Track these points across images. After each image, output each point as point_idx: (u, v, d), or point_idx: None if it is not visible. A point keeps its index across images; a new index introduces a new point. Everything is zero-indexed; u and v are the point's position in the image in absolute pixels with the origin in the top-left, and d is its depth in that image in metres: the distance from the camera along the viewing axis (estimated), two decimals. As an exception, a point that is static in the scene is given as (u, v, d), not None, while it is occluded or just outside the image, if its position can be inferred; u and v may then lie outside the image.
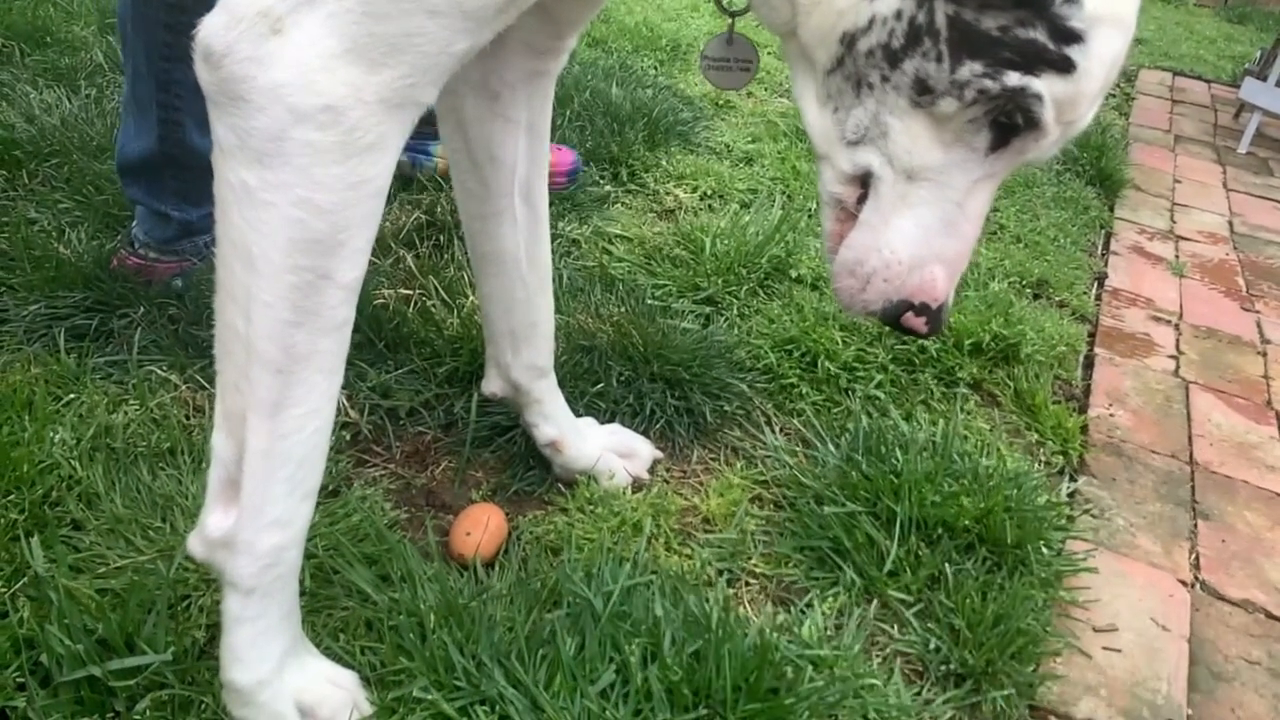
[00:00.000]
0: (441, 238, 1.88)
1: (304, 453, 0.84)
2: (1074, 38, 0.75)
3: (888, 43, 0.79)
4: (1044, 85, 0.77)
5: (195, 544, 0.88)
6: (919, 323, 0.87)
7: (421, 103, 0.78)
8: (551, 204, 2.06)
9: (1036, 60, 0.76)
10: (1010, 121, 0.79)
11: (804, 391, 1.63)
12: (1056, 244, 2.44)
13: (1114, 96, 4.18)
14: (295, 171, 0.72)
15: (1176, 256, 2.66)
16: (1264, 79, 3.78)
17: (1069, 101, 0.78)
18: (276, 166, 0.72)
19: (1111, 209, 2.89)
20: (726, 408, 1.56)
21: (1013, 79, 0.76)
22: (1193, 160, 3.60)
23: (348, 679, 1.00)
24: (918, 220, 0.83)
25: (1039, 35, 0.75)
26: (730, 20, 0.98)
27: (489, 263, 1.23)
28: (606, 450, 1.39)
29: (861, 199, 0.86)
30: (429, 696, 0.98)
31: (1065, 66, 0.76)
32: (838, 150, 0.85)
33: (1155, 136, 3.82)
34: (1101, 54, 0.76)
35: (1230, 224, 3.00)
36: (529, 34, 1.05)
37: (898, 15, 0.78)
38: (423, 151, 2.05)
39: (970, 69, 0.77)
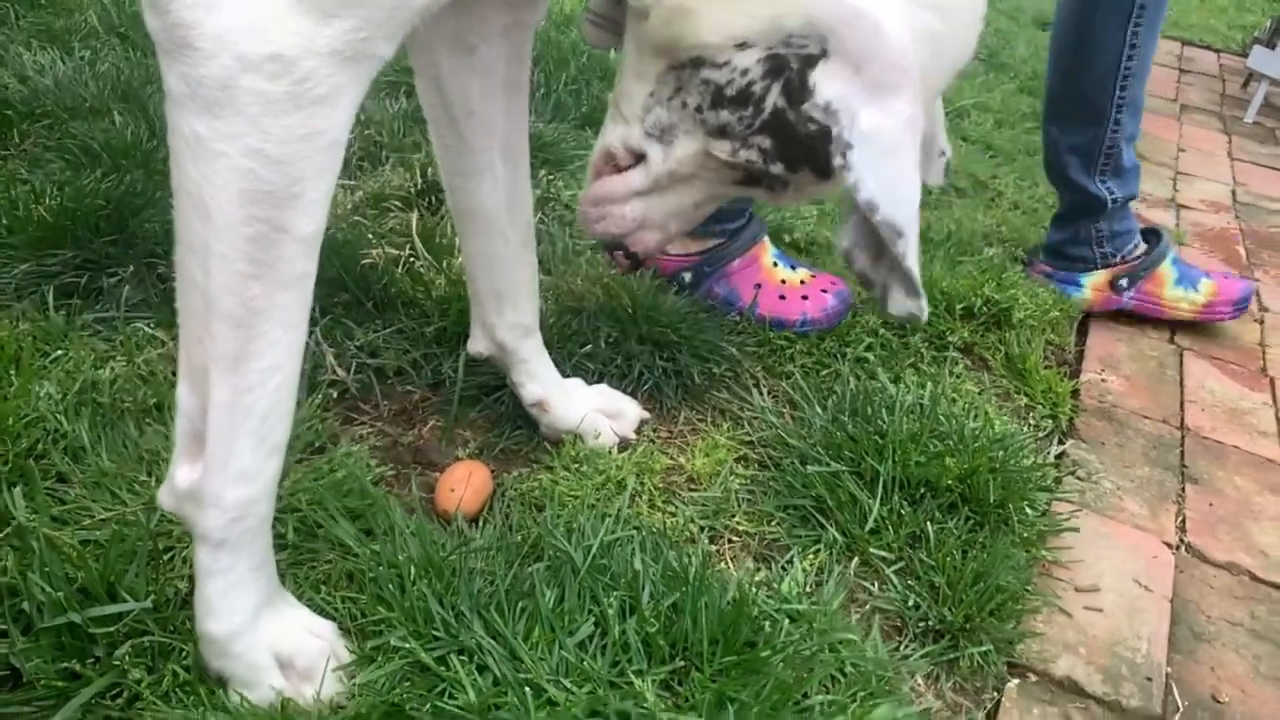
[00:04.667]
0: (434, 199, 1.87)
1: (267, 407, 0.83)
2: (845, 165, 0.82)
3: (723, 87, 0.87)
4: (800, 177, 0.90)
5: (165, 496, 0.89)
6: (622, 259, 1.07)
7: (378, 56, 0.76)
8: (543, 166, 2.06)
9: (808, 161, 0.88)
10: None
11: (793, 354, 1.62)
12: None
13: (1121, 65, 4.13)
14: (245, 121, 0.71)
15: (1177, 224, 2.64)
16: (1272, 47, 3.73)
17: (814, 190, 0.93)
18: (226, 116, 0.71)
19: (1113, 177, 2.86)
20: (715, 370, 1.56)
21: (777, 169, 0.90)
22: (1198, 129, 3.56)
23: (326, 629, 1.01)
24: (663, 203, 0.99)
25: (822, 149, 0.84)
26: None
27: (470, 220, 1.23)
28: (593, 410, 1.39)
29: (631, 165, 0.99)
30: (407, 645, 0.99)
31: (827, 175, 0.87)
32: (635, 128, 0.96)
33: (1161, 105, 3.78)
34: (861, 174, 0.82)
35: (1233, 193, 2.97)
36: None
37: (744, 72, 0.85)
38: (1073, 283, 2.01)
39: (761, 143, 0.89)
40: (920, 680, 1.12)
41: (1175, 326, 2.06)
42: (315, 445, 1.30)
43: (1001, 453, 1.39)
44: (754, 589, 1.11)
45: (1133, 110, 1.86)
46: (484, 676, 0.99)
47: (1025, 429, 1.56)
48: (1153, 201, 2.76)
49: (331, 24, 0.71)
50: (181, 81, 0.72)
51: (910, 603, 1.18)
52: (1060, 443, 1.60)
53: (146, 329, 1.40)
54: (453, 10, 0.84)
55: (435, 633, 1.01)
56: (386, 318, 1.51)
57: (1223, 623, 1.31)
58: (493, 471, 1.29)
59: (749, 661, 1.02)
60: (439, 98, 1.12)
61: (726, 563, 1.24)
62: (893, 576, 1.21)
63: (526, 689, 0.96)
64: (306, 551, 1.13)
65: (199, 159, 0.73)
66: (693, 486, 1.35)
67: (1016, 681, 1.15)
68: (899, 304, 0.87)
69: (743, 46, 0.85)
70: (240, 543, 0.89)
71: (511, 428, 1.41)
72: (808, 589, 1.18)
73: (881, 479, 1.30)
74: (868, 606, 1.19)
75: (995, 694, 1.13)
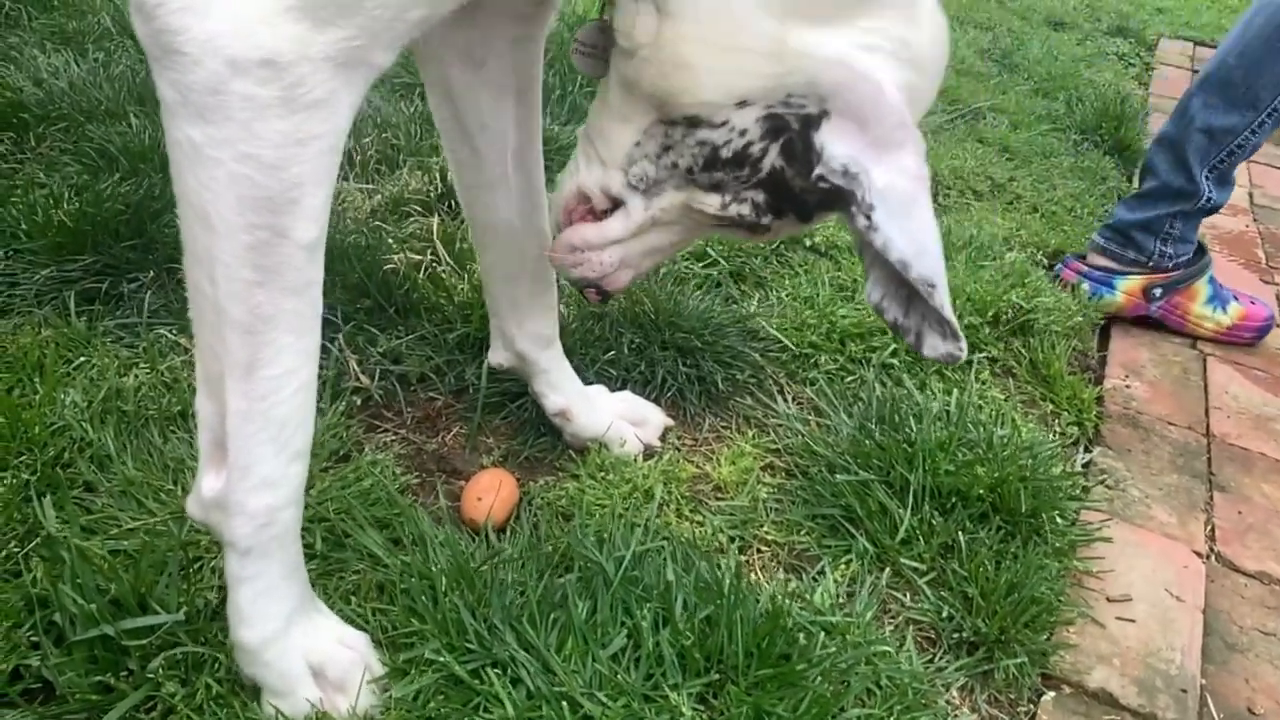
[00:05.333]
0: (454, 203, 1.86)
1: (285, 413, 0.83)
2: (870, 226, 0.82)
3: (719, 148, 0.86)
4: (785, 222, 0.92)
5: (192, 505, 0.89)
6: (594, 296, 1.05)
7: (375, 64, 0.75)
8: (560, 170, 2.04)
9: (796, 210, 0.90)
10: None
11: (818, 360, 1.61)
12: (1074, 214, 2.41)
13: (1133, 66, 4.11)
14: (237, 126, 0.70)
15: (1195, 228, 2.62)
16: (1288, 48, 3.71)
17: (793, 231, 0.98)
18: (219, 121, 0.70)
19: (1129, 179, 2.85)
20: (739, 376, 1.55)
21: (767, 220, 0.92)
22: (1213, 131, 3.54)
23: (358, 640, 1.00)
24: (641, 245, 0.99)
25: (813, 200, 0.88)
26: (603, 6, 0.93)
27: (487, 232, 1.22)
28: (617, 418, 1.38)
29: (608, 211, 0.98)
30: (441, 659, 0.98)
31: (808, 219, 0.92)
32: (616, 175, 0.95)
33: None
34: (889, 234, 0.83)
35: (1250, 195, 2.95)
36: None
37: (743, 133, 0.85)
38: (1106, 285, 2.00)
39: (755, 198, 0.90)
40: (955, 693, 1.11)
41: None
42: (340, 453, 1.29)
43: (1030, 461, 1.37)
44: (787, 600, 1.10)
45: (1274, 123, 1.85)
46: (517, 689, 0.98)
47: (1052, 437, 1.55)
48: (1170, 204, 2.74)
49: (327, 31, 0.70)
50: (172, 89, 0.71)
51: (944, 614, 1.17)
52: (1087, 450, 1.58)
53: (169, 335, 1.39)
54: (460, 23, 0.83)
55: (468, 645, 1.01)
56: (409, 324, 1.50)
57: (1255, 633, 1.30)
58: (518, 479, 1.28)
59: (785, 674, 1.01)
60: (451, 111, 1.11)
61: (756, 573, 1.23)
62: (925, 587, 1.20)
63: (564, 703, 0.95)
64: (335, 562, 1.12)
65: (195, 166, 0.72)
66: (720, 495, 1.34)
67: (1052, 694, 1.13)
68: (935, 347, 0.86)
69: (743, 104, 0.84)
70: (269, 550, 0.89)
71: (535, 435, 1.40)
72: (840, 600, 1.17)
73: (912, 488, 1.29)
74: (901, 618, 1.18)
75: (1031, 706, 1.12)
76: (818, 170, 0.84)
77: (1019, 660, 1.13)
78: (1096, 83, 3.49)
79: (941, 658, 1.13)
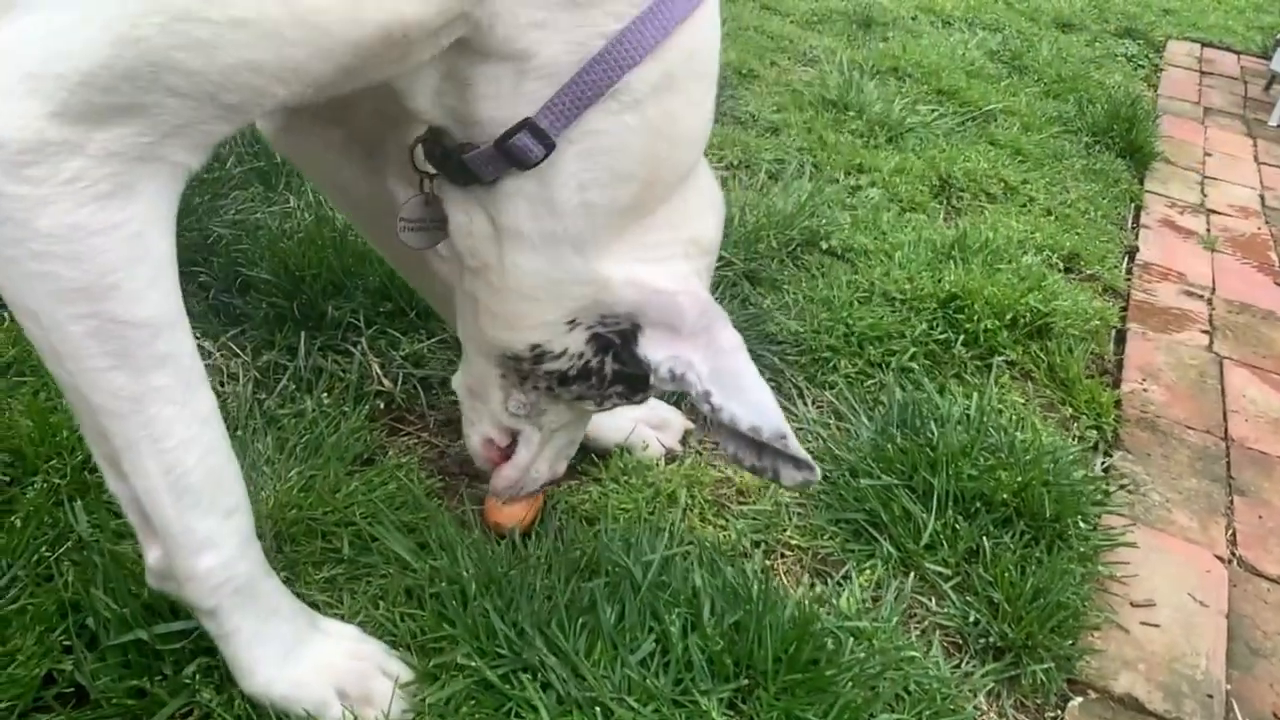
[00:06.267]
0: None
1: (199, 479, 0.81)
2: (714, 409, 0.91)
3: (565, 371, 0.97)
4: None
5: (150, 578, 0.88)
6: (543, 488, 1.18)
7: (176, 162, 0.72)
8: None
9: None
10: None
11: (836, 364, 1.61)
12: (1087, 217, 2.41)
13: (1142, 67, 4.11)
14: (16, 226, 0.68)
15: (1208, 230, 2.62)
16: (1297, 50, 3.71)
17: None
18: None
19: (1141, 182, 2.85)
20: (759, 379, 1.55)
21: (640, 397, 1.03)
22: (1222, 133, 3.54)
23: (370, 649, 0.99)
24: (554, 448, 1.11)
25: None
26: (423, 181, 0.98)
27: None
28: (639, 422, 1.38)
29: (511, 444, 1.10)
30: (473, 664, 0.98)
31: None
32: (499, 410, 1.06)
33: (1184, 109, 3.75)
34: (732, 410, 0.91)
35: (1262, 198, 2.95)
36: None
37: (580, 355, 0.96)
38: None
39: (616, 391, 1.00)
40: (983, 699, 1.11)
41: (1212, 334, 2.04)
42: (364, 456, 1.29)
43: (1052, 465, 1.37)
44: (814, 606, 1.10)
45: None
46: (548, 694, 0.98)
47: (1072, 441, 1.55)
48: (1183, 206, 2.75)
49: (107, 128, 0.67)
50: None
51: (970, 619, 1.17)
52: (1107, 454, 1.58)
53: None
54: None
55: (499, 650, 1.01)
56: (429, 327, 1.50)
57: (1279, 638, 1.30)
58: (541, 483, 1.28)
59: (814, 680, 1.01)
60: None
61: (781, 578, 1.23)
62: (950, 592, 1.20)
63: (595, 708, 0.95)
64: (363, 566, 1.12)
65: None
66: (742, 499, 1.34)
67: (1079, 700, 1.14)
68: (792, 478, 0.92)
69: (572, 325, 0.94)
70: (235, 604, 0.88)
71: (557, 438, 1.40)
72: (866, 605, 1.17)
73: (935, 493, 1.29)
74: (927, 623, 1.18)
75: (1058, 712, 1.12)
76: (652, 381, 0.94)
77: (1045, 666, 1.13)
78: (1106, 84, 3.49)
79: (968, 663, 1.14)
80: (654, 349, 0.92)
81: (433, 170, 0.95)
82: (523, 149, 0.83)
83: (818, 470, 0.91)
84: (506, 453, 1.10)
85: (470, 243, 0.93)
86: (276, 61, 0.68)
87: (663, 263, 0.92)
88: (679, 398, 1.48)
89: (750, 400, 0.89)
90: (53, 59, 0.65)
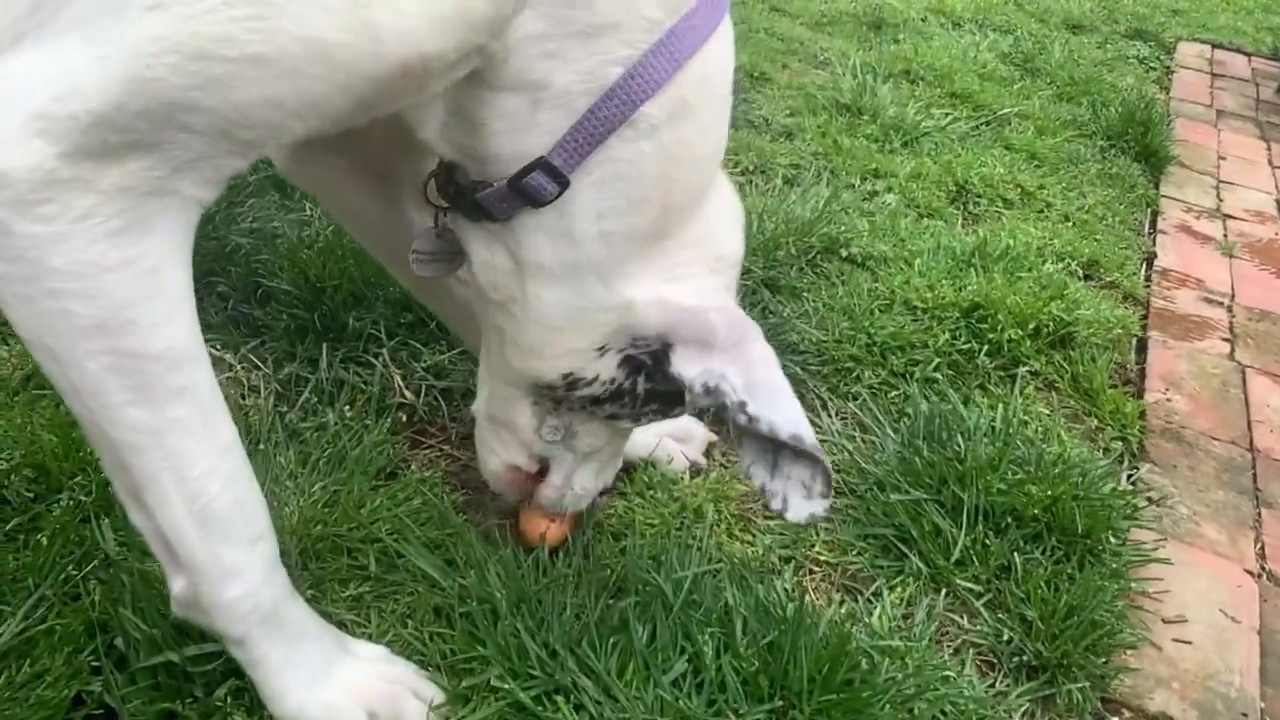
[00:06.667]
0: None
1: (222, 507, 0.80)
2: (750, 420, 0.90)
3: (599, 395, 0.97)
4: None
5: (176, 606, 0.87)
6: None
7: (187, 196, 0.71)
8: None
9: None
10: None
11: (860, 374, 1.60)
12: (1105, 223, 2.39)
13: (1154, 70, 4.09)
14: (30, 265, 0.67)
15: (1225, 236, 2.61)
16: (1311, 52, 3.69)
17: None
18: (10, 260, 0.67)
19: (1156, 186, 2.83)
20: (782, 390, 1.53)
21: (679, 410, 1.01)
22: (1236, 136, 3.52)
23: (400, 671, 0.98)
24: (598, 465, 1.10)
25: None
26: (436, 214, 0.97)
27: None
28: (663, 435, 1.37)
29: (541, 470, 1.09)
30: (505, 686, 0.97)
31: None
32: (531, 438, 1.05)
33: (1197, 111, 3.74)
34: (770, 419, 0.90)
35: (1278, 203, 2.93)
36: None
37: (611, 380, 0.95)
38: None
39: (652, 408, 0.99)
40: (1018, 719, 1.10)
41: (1233, 342, 2.03)
42: (387, 470, 1.28)
43: (1081, 479, 1.36)
44: (848, 625, 1.09)
45: None
46: (580, 716, 0.97)
47: (1099, 453, 1.53)
48: (1199, 211, 2.73)
49: (119, 164, 0.66)
50: None
51: (1004, 638, 1.16)
52: (1133, 467, 1.57)
53: (214, 350, 1.38)
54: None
55: (530, 671, 0.99)
56: (450, 338, 1.49)
57: (1311, 655, 1.28)
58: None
59: (851, 701, 1.00)
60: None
61: (809, 594, 1.21)
62: (983, 610, 1.19)
63: (631, 731, 0.94)
64: (390, 585, 1.11)
65: (12, 305, 0.70)
66: (769, 514, 1.33)
67: (1114, 719, 1.12)
68: (799, 509, 0.91)
69: (603, 350, 0.93)
70: (263, 631, 0.87)
71: (580, 450, 1.38)
72: (897, 623, 1.16)
73: (965, 508, 1.28)
74: (959, 641, 1.17)
75: (1093, 732, 1.11)
76: (689, 399, 0.93)
77: (1080, 685, 1.12)
78: (1119, 87, 3.47)
79: (1002, 682, 1.12)
80: (686, 366, 0.91)
81: (446, 204, 0.94)
82: (537, 188, 0.83)
83: (829, 503, 0.91)
84: (534, 478, 1.09)
85: (493, 277, 0.93)
86: (295, 97, 0.68)
87: (688, 280, 0.92)
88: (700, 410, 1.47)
89: (785, 409, 0.89)
90: (64, 98, 0.64)
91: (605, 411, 1.00)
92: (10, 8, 0.67)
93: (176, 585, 0.85)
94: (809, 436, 0.88)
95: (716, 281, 0.94)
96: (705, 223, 0.93)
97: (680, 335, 0.91)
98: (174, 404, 0.75)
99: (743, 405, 0.88)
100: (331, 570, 1.11)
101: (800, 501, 0.91)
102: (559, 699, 0.98)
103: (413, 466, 1.30)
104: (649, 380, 0.96)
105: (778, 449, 0.90)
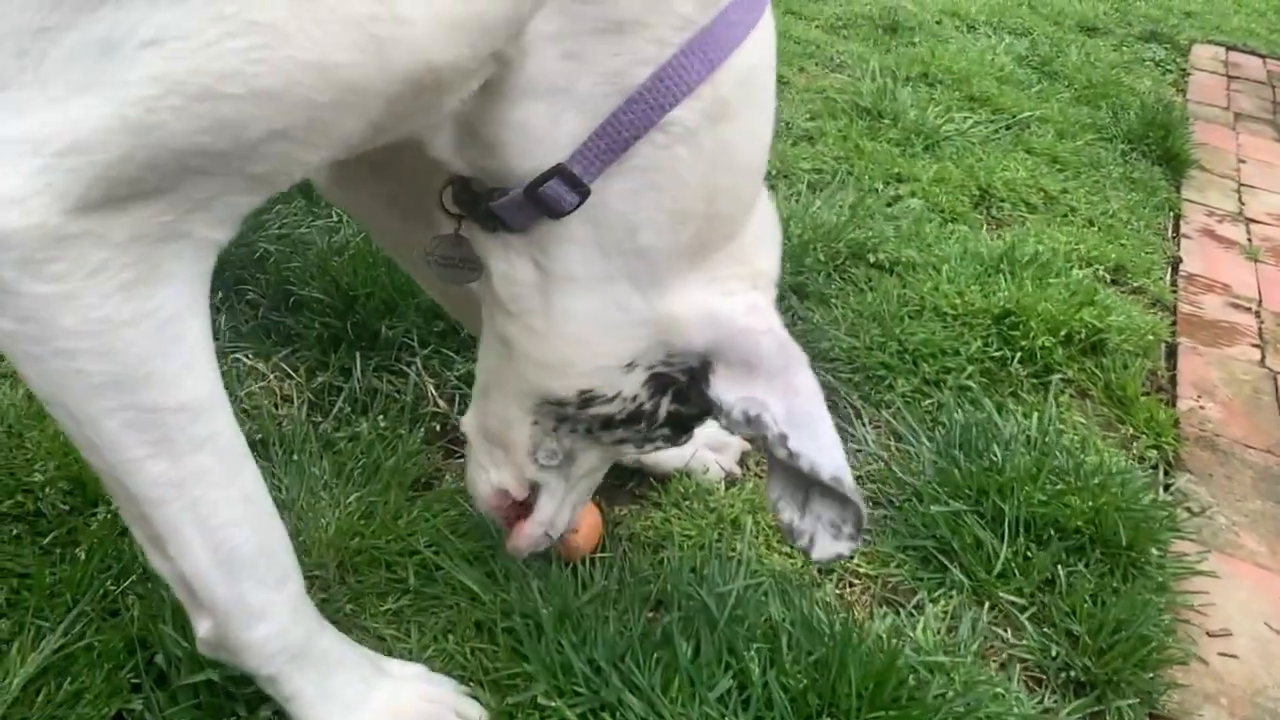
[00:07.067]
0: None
1: (248, 553, 0.78)
2: (791, 454, 0.85)
3: (613, 415, 0.90)
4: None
5: (202, 647, 0.85)
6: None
7: (201, 238, 0.67)
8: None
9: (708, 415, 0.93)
10: None
11: (892, 382, 1.58)
12: (1130, 227, 2.37)
13: (1170, 72, 4.07)
14: (40, 325, 0.63)
15: (1249, 240, 2.59)
16: (1329, 55, 3.66)
17: None
18: (20, 320, 0.64)
19: (1178, 190, 2.81)
20: (814, 399, 1.52)
21: (685, 438, 0.97)
22: (1255, 139, 3.50)
23: (440, 691, 0.96)
24: (577, 497, 1.03)
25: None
26: (457, 222, 0.90)
27: None
28: (698, 444, 1.35)
29: (527, 497, 1.01)
30: (552, 703, 0.95)
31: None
32: (524, 460, 0.97)
33: (1215, 114, 3.71)
34: (811, 456, 0.85)
35: (1299, 206, 2.91)
36: None
37: (633, 399, 0.89)
38: None
39: (663, 434, 0.94)
40: (1067, 736, 1.08)
41: (1264, 348, 2.01)
42: (422, 480, 1.27)
43: (1121, 490, 1.34)
44: (895, 640, 1.07)
45: None
46: (626, 733, 0.96)
47: (1137, 463, 1.52)
48: (1221, 215, 2.71)
49: (128, 212, 0.62)
50: None
51: (1051, 653, 1.14)
52: (1168, 475, 1.55)
53: (245, 360, 1.36)
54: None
55: (576, 688, 0.98)
56: (481, 345, 1.48)
57: (1357, 669, 1.27)
58: (599, 508, 1.25)
59: (900, 719, 0.98)
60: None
61: (849, 608, 1.20)
62: (1027, 624, 1.17)
63: (681, 751, 0.92)
64: (429, 599, 1.09)
65: (23, 363, 0.67)
66: (806, 524, 1.31)
67: (1164, 736, 1.11)
68: (825, 549, 0.87)
69: (631, 367, 0.87)
70: (294, 667, 0.85)
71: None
72: (942, 637, 1.14)
73: (1006, 519, 1.26)
74: (1004, 655, 1.15)
75: (1143, 749, 1.09)
76: (721, 421, 0.87)
77: (1130, 701, 1.10)
78: (1137, 90, 3.45)
79: (1050, 698, 1.11)
80: (726, 389, 0.85)
81: (461, 213, 0.89)
82: (554, 197, 0.77)
83: (857, 545, 0.87)
84: (519, 505, 1.02)
85: (513, 290, 0.86)
86: (306, 126, 0.63)
87: (736, 295, 0.86)
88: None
89: (826, 445, 0.84)
90: (65, 153, 0.59)
91: (613, 436, 0.94)
92: None
93: (202, 627, 0.82)
94: (850, 479, 0.84)
95: (765, 299, 0.89)
96: (750, 237, 0.88)
97: (726, 355, 0.86)
98: (196, 454, 0.72)
99: (784, 439, 0.83)
100: (369, 584, 1.10)
101: (828, 541, 0.87)
102: (605, 716, 0.96)
103: (447, 477, 1.28)
104: (677, 401, 0.90)
105: (810, 485, 0.86)
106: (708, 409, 0.89)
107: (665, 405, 0.91)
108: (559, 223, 0.80)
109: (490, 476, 1.00)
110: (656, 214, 0.80)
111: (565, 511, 1.02)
